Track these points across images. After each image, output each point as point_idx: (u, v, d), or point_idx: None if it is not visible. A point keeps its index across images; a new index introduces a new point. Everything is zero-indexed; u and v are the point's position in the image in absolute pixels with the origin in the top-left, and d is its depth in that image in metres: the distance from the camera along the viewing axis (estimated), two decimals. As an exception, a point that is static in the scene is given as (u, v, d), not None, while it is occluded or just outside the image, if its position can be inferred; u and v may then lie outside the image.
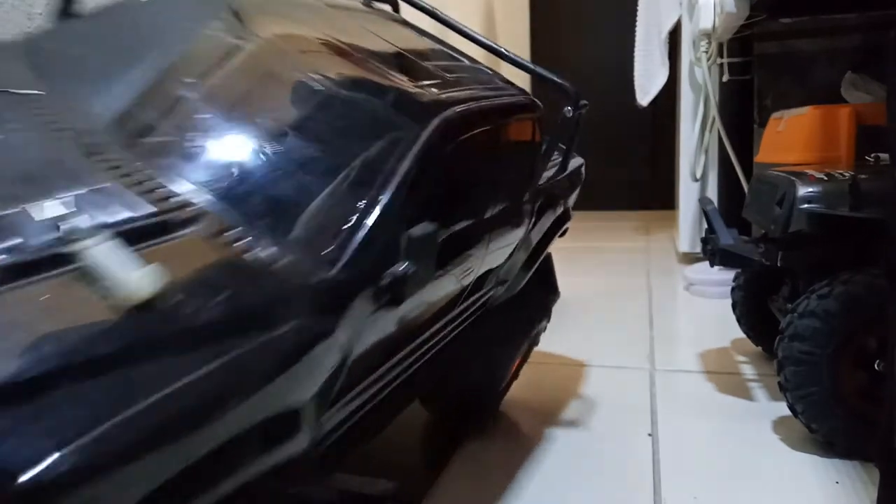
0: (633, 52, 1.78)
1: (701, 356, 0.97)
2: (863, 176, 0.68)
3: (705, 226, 0.81)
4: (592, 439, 0.71)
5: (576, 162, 0.79)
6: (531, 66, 0.61)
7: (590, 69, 3.21)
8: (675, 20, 1.64)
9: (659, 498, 0.59)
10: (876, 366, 0.61)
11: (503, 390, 0.78)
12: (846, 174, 0.71)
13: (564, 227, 0.80)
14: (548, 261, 1.39)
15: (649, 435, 0.72)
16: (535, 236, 0.64)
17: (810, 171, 0.75)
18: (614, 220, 2.87)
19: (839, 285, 0.63)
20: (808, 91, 1.31)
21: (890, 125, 0.47)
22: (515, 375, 0.81)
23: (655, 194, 3.15)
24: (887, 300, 0.47)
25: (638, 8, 1.75)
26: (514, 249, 0.57)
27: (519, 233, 0.55)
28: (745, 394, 0.82)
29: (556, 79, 0.59)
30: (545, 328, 0.85)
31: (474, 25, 2.39)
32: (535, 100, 0.58)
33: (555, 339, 1.09)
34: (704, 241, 0.80)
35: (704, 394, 0.83)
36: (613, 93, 3.07)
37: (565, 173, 0.72)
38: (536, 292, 0.81)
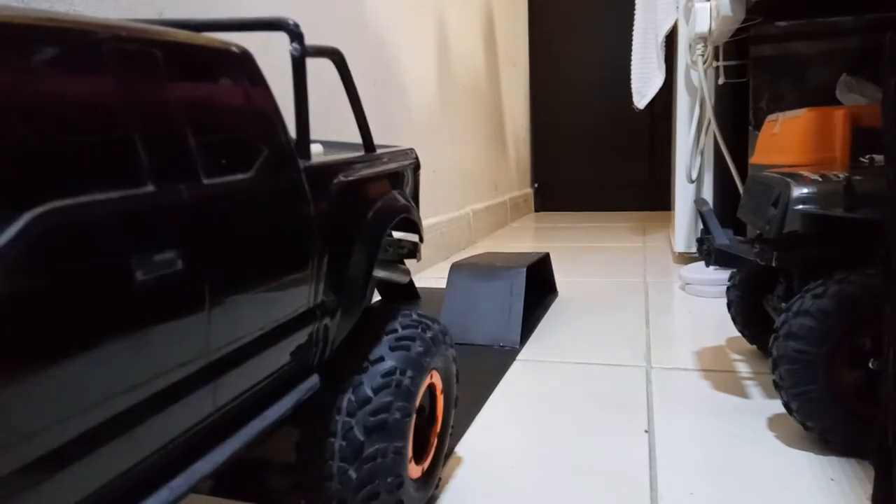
0: (630, 55, 1.79)
1: (697, 354, 0.98)
2: (857, 177, 0.68)
3: (701, 226, 0.81)
4: (589, 436, 0.72)
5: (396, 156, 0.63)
6: (225, 21, 0.48)
7: (588, 72, 3.23)
8: (671, 24, 1.65)
9: (655, 494, 0.60)
10: (870, 364, 0.62)
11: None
12: (841, 175, 0.72)
13: (409, 240, 0.62)
14: (546, 261, 1.40)
15: (646, 431, 0.73)
16: (333, 237, 0.47)
17: (805, 173, 0.75)
18: (611, 220, 2.88)
19: (834, 285, 0.64)
20: (804, 93, 1.32)
21: (885, 127, 0.48)
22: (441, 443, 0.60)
23: (652, 195, 3.17)
24: (882, 299, 0.48)
25: (635, 11, 1.76)
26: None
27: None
28: (741, 391, 0.83)
29: (264, 18, 0.47)
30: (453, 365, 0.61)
31: (474, 27, 2.40)
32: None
33: (552, 338, 1.10)
34: (700, 242, 0.81)
35: (700, 391, 0.84)
36: (611, 95, 3.10)
37: (365, 156, 0.56)
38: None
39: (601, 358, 0.98)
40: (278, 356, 0.42)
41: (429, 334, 0.56)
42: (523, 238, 2.43)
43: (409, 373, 0.52)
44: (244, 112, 0.40)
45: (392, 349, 0.53)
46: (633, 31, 1.77)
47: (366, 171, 0.54)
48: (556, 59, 3.29)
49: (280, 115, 0.43)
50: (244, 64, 0.41)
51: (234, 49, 0.40)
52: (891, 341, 0.47)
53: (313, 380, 0.47)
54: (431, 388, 0.59)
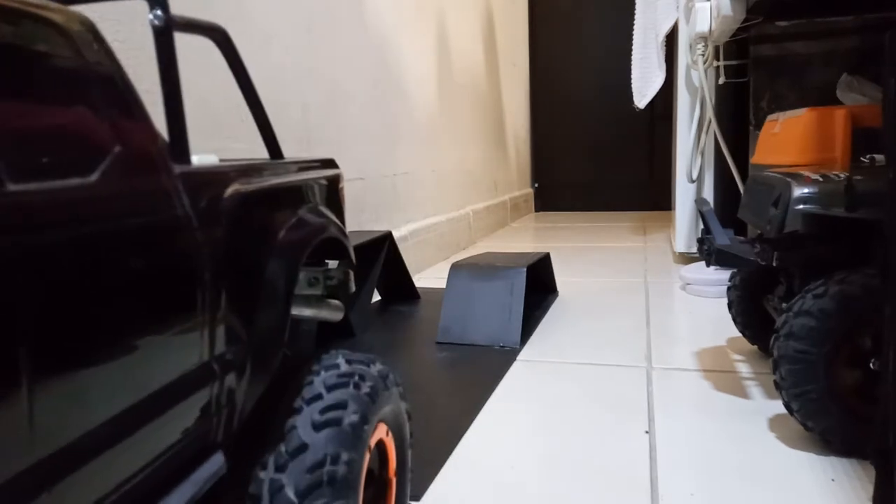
0: (630, 55, 1.79)
1: (697, 355, 0.98)
2: (858, 177, 0.68)
3: (701, 226, 0.81)
4: (589, 436, 0.72)
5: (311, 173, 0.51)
6: None
7: (588, 72, 3.23)
8: (671, 23, 1.65)
9: (656, 495, 0.60)
10: (871, 364, 0.62)
11: None
12: (841, 175, 0.72)
13: (335, 269, 0.52)
14: (547, 261, 1.40)
15: (646, 432, 0.72)
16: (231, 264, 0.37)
17: (806, 173, 0.75)
18: (612, 220, 2.88)
19: (834, 285, 0.64)
20: (804, 93, 1.32)
21: (885, 127, 0.48)
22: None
23: (652, 195, 3.17)
24: (882, 299, 0.48)
25: (635, 11, 1.76)
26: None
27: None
28: (742, 392, 0.83)
29: None
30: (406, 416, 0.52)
31: (474, 29, 2.40)
32: None
33: (553, 338, 1.10)
34: (701, 242, 0.81)
35: (701, 392, 0.83)
36: (611, 95, 3.10)
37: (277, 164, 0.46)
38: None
39: (602, 358, 0.98)
40: (159, 436, 0.31)
41: (374, 370, 0.45)
42: (523, 238, 2.43)
43: (355, 412, 0.41)
44: (78, 97, 0.29)
45: (329, 388, 0.42)
46: (633, 30, 1.77)
47: (271, 181, 0.43)
48: (556, 59, 3.29)
49: (140, 106, 0.33)
50: (81, 36, 0.30)
51: (63, 15, 0.30)
52: (890, 341, 0.47)
53: (215, 462, 0.35)
54: (381, 447, 0.47)
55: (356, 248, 1.21)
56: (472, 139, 2.40)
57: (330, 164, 0.56)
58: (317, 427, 0.39)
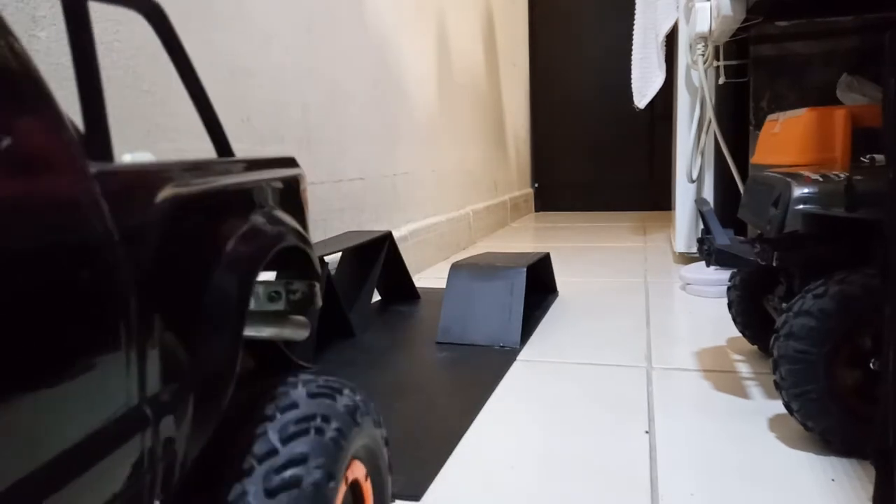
0: (630, 55, 1.80)
1: (697, 355, 0.98)
2: (858, 177, 0.68)
3: (701, 226, 0.81)
4: (589, 436, 0.72)
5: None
6: None
7: (588, 72, 3.23)
8: (671, 23, 1.65)
9: (656, 495, 0.60)
10: (871, 364, 0.61)
11: None
12: (841, 175, 0.72)
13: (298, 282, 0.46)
14: (547, 261, 1.40)
15: (646, 432, 0.72)
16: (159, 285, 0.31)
17: (806, 173, 0.75)
18: (612, 220, 2.88)
19: (834, 285, 0.64)
20: (804, 93, 1.32)
21: (885, 127, 0.48)
22: None
23: (652, 195, 3.17)
24: (882, 299, 0.48)
25: (635, 11, 1.76)
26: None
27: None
28: (742, 392, 0.83)
29: None
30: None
31: (474, 29, 2.40)
32: None
33: (552, 338, 1.10)
34: (701, 242, 0.81)
35: (701, 392, 0.84)
36: (611, 95, 3.10)
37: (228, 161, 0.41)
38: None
39: (602, 358, 0.98)
40: None
41: (341, 405, 0.40)
42: (523, 238, 2.43)
43: (317, 469, 0.35)
44: None
45: (287, 438, 0.36)
46: (633, 30, 1.77)
47: (216, 182, 0.37)
48: (556, 59, 3.30)
49: (40, 89, 0.26)
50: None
51: None
52: (890, 341, 0.47)
53: None
54: (355, 487, 0.42)
55: (356, 248, 1.22)
56: (472, 139, 2.40)
57: (289, 163, 0.50)
58: (271, 493, 0.34)
